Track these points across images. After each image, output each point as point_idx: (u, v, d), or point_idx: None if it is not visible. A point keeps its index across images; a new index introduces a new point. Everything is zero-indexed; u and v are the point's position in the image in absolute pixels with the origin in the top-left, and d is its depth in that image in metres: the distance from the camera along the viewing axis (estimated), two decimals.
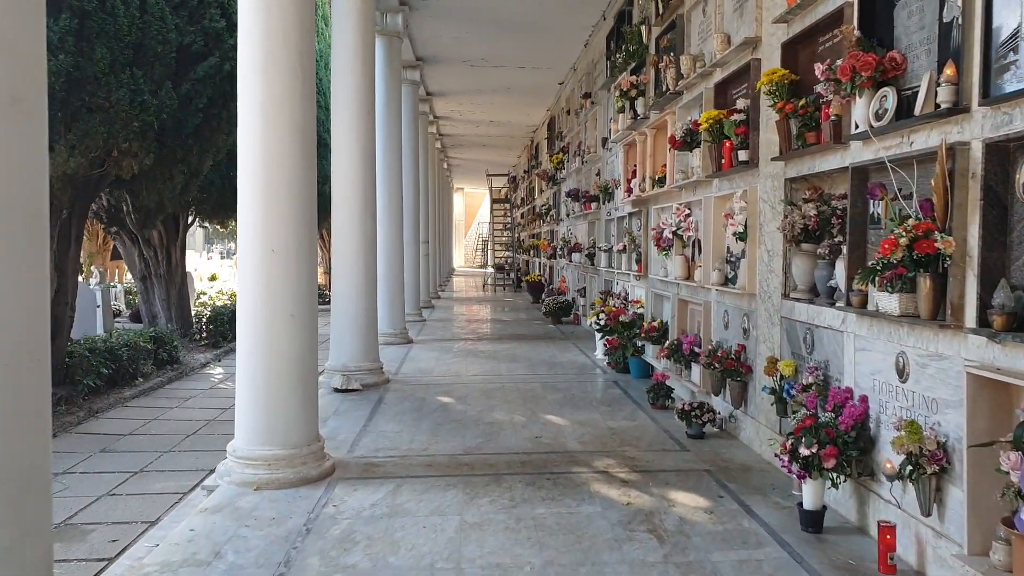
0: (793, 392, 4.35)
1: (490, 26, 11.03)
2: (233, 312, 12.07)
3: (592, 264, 11.51)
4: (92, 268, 15.82)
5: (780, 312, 4.75)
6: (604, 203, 10.60)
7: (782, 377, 4.57)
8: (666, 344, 6.77)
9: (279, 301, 4.49)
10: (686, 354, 6.29)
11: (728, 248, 5.77)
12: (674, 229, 6.64)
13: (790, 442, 3.76)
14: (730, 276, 5.72)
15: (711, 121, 5.52)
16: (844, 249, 3.96)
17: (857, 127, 3.70)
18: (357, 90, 7.40)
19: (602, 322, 8.64)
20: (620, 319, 8.05)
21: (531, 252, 22.33)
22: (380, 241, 10.27)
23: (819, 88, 4.20)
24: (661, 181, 7.21)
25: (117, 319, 14.13)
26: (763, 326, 5.02)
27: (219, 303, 14.80)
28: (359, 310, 7.46)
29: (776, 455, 3.95)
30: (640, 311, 8.21)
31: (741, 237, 5.17)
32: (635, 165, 8.34)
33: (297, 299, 4.55)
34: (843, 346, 3.98)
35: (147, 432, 7.16)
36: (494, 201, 25.08)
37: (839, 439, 3.63)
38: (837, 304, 4.03)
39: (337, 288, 7.52)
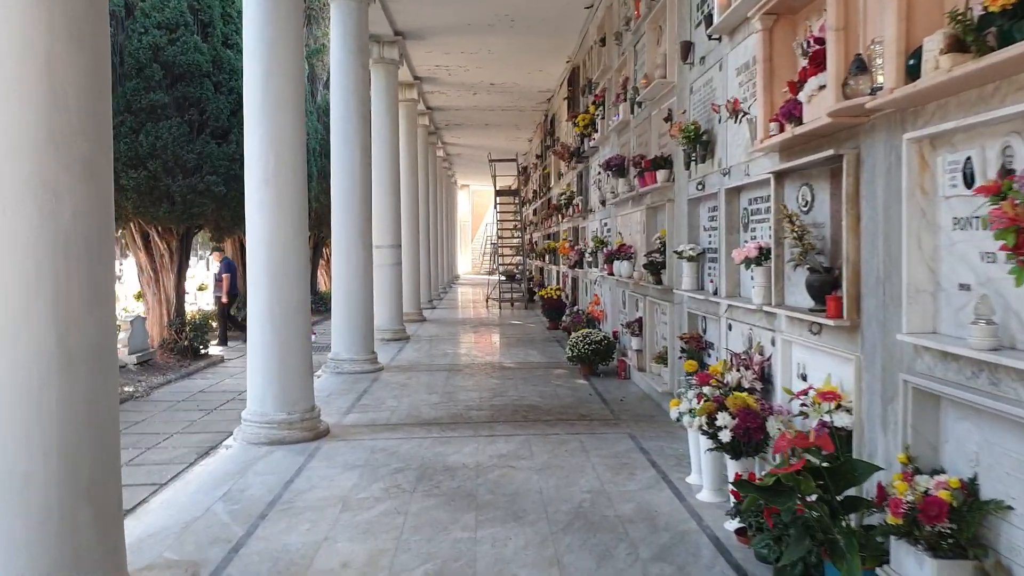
0: None
1: None
2: None
3: (658, 282, 6.47)
4: None
5: None
6: (690, 166, 5.56)
7: None
8: None
9: None
10: None
11: None
12: None
13: None
14: None
15: None
16: None
17: None
18: None
19: (726, 436, 3.61)
20: (802, 456, 2.93)
21: (546, 258, 17.25)
22: (259, 240, 5.32)
23: None
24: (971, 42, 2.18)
25: None
26: None
27: None
28: (41, 455, 2.48)
29: None
30: (838, 419, 3.16)
31: None
32: (817, 45, 3.31)
33: None
34: None
35: None
36: (498, 192, 19.93)
37: None
38: None
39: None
